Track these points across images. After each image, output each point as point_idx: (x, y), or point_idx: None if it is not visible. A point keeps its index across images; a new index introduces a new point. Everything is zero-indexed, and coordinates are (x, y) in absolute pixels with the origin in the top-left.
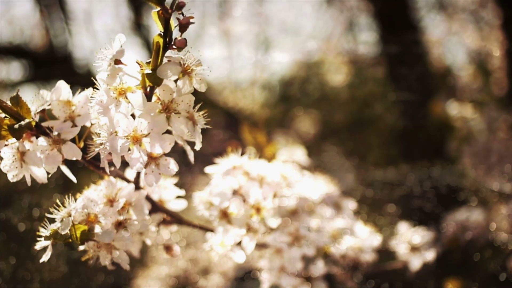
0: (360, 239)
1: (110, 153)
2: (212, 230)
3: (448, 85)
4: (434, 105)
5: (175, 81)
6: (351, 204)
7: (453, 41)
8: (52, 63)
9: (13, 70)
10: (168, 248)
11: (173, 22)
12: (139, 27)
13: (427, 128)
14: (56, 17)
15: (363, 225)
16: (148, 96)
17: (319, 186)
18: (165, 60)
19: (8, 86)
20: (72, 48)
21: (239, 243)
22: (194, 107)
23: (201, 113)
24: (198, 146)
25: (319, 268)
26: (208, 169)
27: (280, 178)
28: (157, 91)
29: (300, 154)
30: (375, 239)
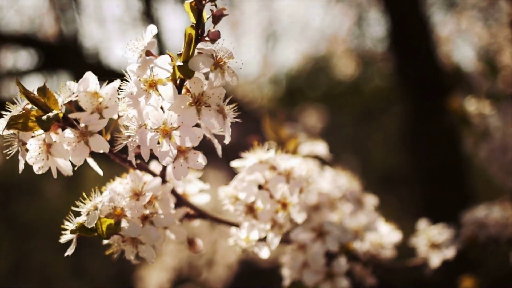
0: (380, 235)
1: (138, 146)
2: (236, 225)
3: (461, 82)
4: (451, 101)
5: (205, 73)
6: (372, 200)
7: (462, 38)
8: (61, 53)
9: (21, 59)
10: (191, 243)
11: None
12: (148, 19)
13: (439, 125)
14: (66, 6)
15: (384, 221)
16: (178, 89)
17: (341, 181)
18: (196, 52)
19: (16, 75)
20: (82, 38)
21: (263, 239)
22: (224, 101)
23: (231, 106)
24: (227, 140)
25: (341, 264)
26: (234, 163)
27: (307, 173)
28: (188, 83)
29: (321, 148)
30: (396, 236)
